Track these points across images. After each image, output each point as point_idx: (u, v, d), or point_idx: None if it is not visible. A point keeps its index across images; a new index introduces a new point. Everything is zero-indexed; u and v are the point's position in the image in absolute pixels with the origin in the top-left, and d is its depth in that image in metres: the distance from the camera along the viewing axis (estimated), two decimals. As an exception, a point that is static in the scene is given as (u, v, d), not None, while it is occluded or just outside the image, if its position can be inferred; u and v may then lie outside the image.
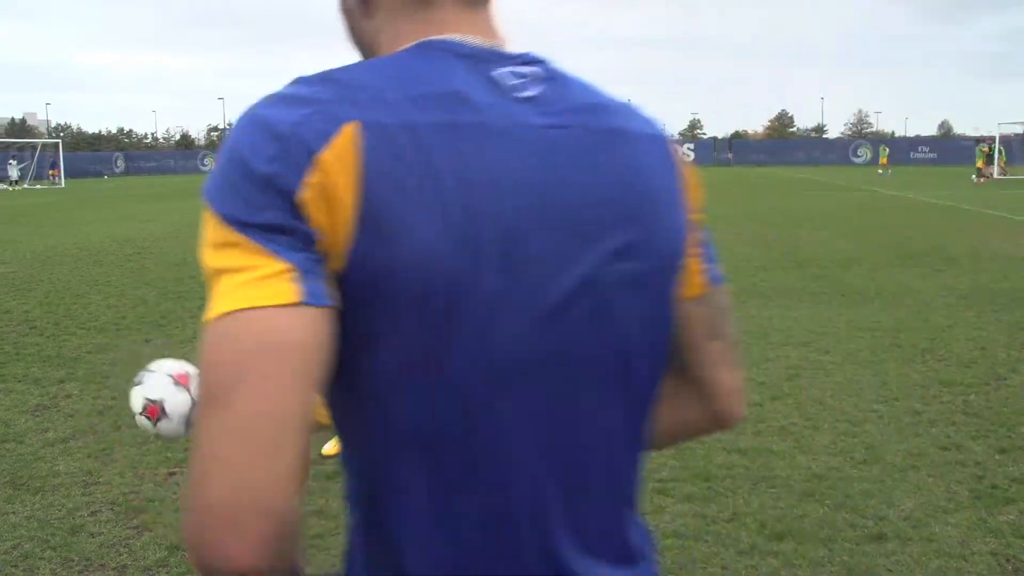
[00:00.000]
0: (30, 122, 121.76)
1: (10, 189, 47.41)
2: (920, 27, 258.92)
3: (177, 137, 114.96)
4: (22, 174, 53.12)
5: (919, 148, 69.88)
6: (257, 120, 0.88)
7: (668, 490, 4.51)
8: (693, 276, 1.09)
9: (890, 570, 3.69)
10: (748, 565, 3.73)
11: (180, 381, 2.37)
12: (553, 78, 1.00)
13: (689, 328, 1.11)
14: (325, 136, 0.85)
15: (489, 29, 1.01)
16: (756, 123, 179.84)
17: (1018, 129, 52.83)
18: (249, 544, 0.80)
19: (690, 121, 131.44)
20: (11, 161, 53.03)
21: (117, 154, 77.52)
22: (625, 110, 1.05)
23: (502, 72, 0.97)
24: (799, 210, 22.43)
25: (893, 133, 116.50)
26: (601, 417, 1.01)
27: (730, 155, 70.77)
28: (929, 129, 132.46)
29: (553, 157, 0.95)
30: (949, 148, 65.69)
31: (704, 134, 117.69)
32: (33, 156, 57.26)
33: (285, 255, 0.83)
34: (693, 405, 1.18)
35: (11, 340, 8.47)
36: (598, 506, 1.03)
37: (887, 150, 52.63)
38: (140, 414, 2.34)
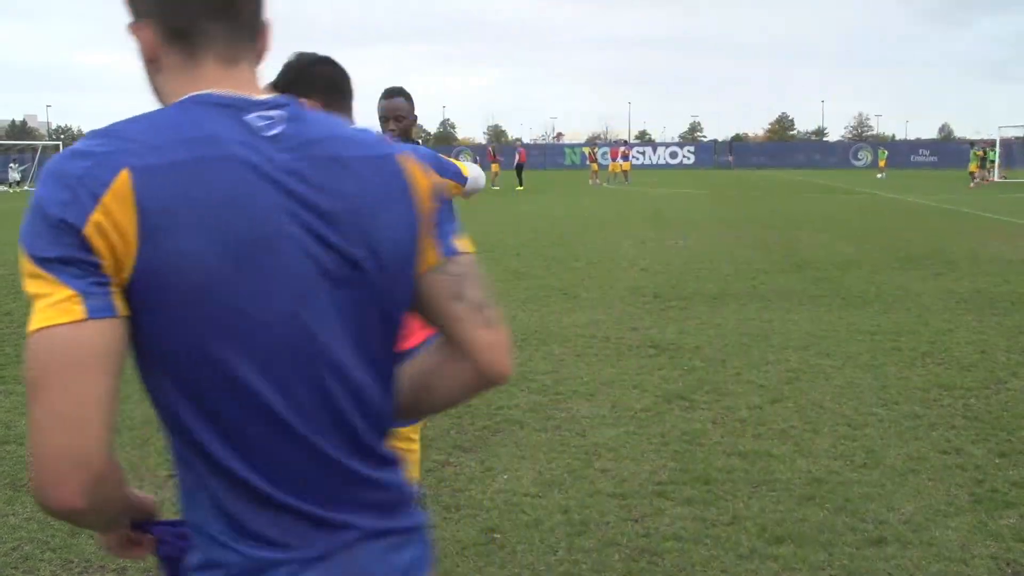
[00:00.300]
0: (31, 124, 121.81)
1: (11, 191, 47.40)
2: (921, 29, 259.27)
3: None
4: (23, 176, 53.10)
5: (919, 151, 69.98)
6: (54, 173, 1.17)
7: (667, 493, 4.50)
8: (428, 252, 1.37)
9: (890, 574, 3.68)
10: (748, 569, 3.72)
11: None
12: (294, 119, 1.29)
13: (434, 294, 1.38)
14: (105, 183, 1.14)
15: (247, 83, 1.31)
16: (756, 126, 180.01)
17: (1019, 132, 52.87)
18: (71, 490, 1.13)
19: (690, 123, 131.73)
20: (12, 164, 53.05)
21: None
22: (352, 140, 1.33)
23: (252, 116, 1.25)
24: (799, 213, 22.44)
25: (893, 136, 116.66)
26: (346, 380, 1.29)
27: (730, 158, 70.83)
28: (930, 132, 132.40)
29: (289, 183, 1.24)
30: (949, 151, 65.62)
31: (704, 136, 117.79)
32: (34, 158, 57.26)
33: (72, 283, 1.13)
34: (463, 365, 1.41)
35: (12, 342, 8.46)
36: (354, 440, 1.32)
37: (886, 153, 52.67)
38: None
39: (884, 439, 5.28)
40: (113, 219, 1.14)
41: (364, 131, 1.39)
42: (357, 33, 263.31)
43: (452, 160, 3.42)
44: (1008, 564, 3.76)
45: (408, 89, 5.04)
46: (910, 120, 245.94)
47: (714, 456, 5.03)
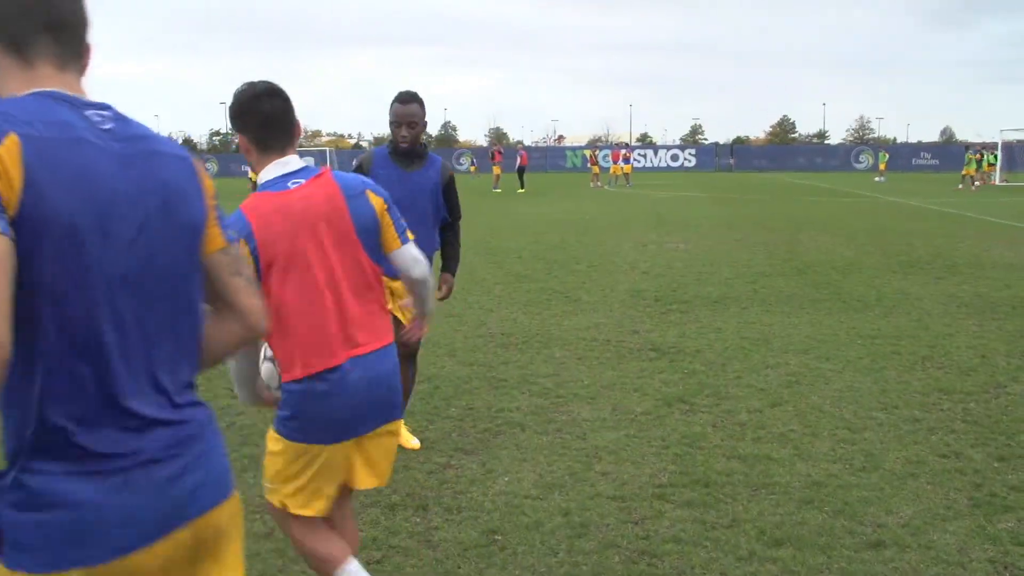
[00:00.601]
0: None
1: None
2: (924, 31, 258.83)
3: (180, 141, 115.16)
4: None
5: (920, 154, 69.81)
6: None
7: (667, 496, 4.52)
8: (214, 237, 1.86)
9: (888, 577, 3.70)
10: (747, 571, 3.75)
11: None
12: (118, 118, 1.72)
13: (219, 270, 1.88)
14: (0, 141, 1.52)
15: (76, 86, 1.72)
16: (758, 129, 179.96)
17: (1021, 136, 52.79)
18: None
19: (692, 126, 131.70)
20: None
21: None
22: (162, 140, 1.81)
23: (89, 112, 1.68)
24: (800, 216, 22.46)
25: (895, 139, 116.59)
26: (168, 306, 1.76)
27: (731, 161, 70.85)
28: (931, 135, 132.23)
29: (124, 167, 1.67)
30: (951, 154, 65.48)
31: (705, 139, 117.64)
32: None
33: None
34: (235, 324, 1.93)
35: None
36: (167, 362, 1.76)
37: (887, 156, 52.47)
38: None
39: (883, 443, 5.30)
40: (5, 167, 1.50)
41: (168, 137, 1.89)
42: (358, 34, 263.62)
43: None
44: (1006, 568, 3.78)
45: (418, 92, 5.06)
46: (911, 123, 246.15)
47: (714, 459, 5.05)
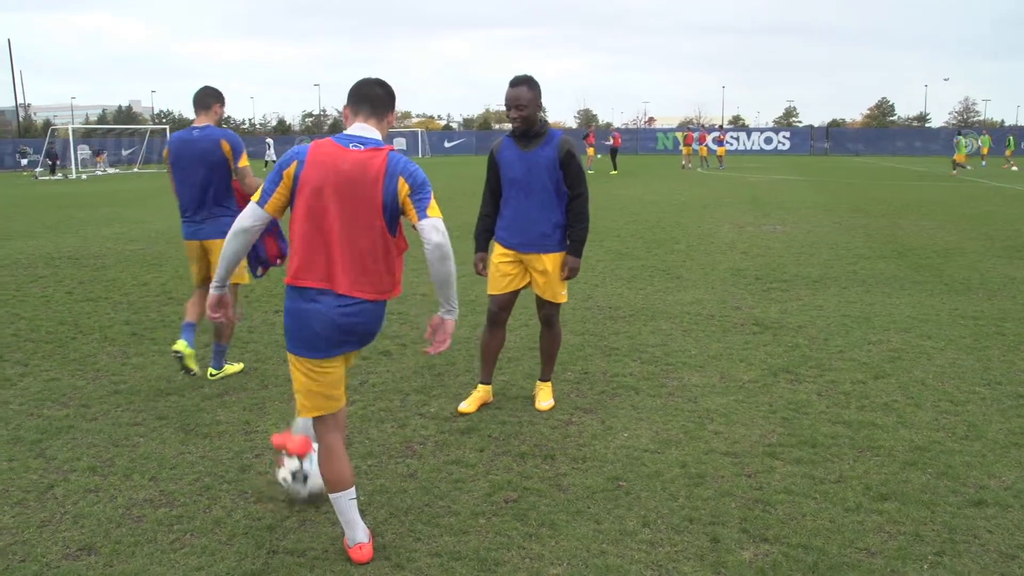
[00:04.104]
0: (135, 109, 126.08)
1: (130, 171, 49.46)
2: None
3: (274, 123, 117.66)
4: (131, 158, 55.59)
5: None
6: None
7: (777, 454, 4.85)
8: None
9: (990, 532, 3.95)
10: (854, 520, 4.05)
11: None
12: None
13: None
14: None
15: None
16: (855, 111, 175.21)
17: None
18: None
19: (785, 108, 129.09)
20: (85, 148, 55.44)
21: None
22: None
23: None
24: (899, 200, 22.19)
25: (1002, 122, 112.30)
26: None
27: (827, 144, 69.51)
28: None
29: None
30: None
31: (800, 122, 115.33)
32: (142, 142, 59.59)
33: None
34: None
35: (155, 308, 9.20)
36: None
37: (989, 140, 50.51)
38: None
39: (986, 415, 5.51)
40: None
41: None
42: (449, 16, 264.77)
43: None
44: (1104, 526, 4.00)
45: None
46: (1022, 105, 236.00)
47: (820, 424, 5.34)
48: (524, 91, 5.30)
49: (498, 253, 5.61)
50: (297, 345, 3.69)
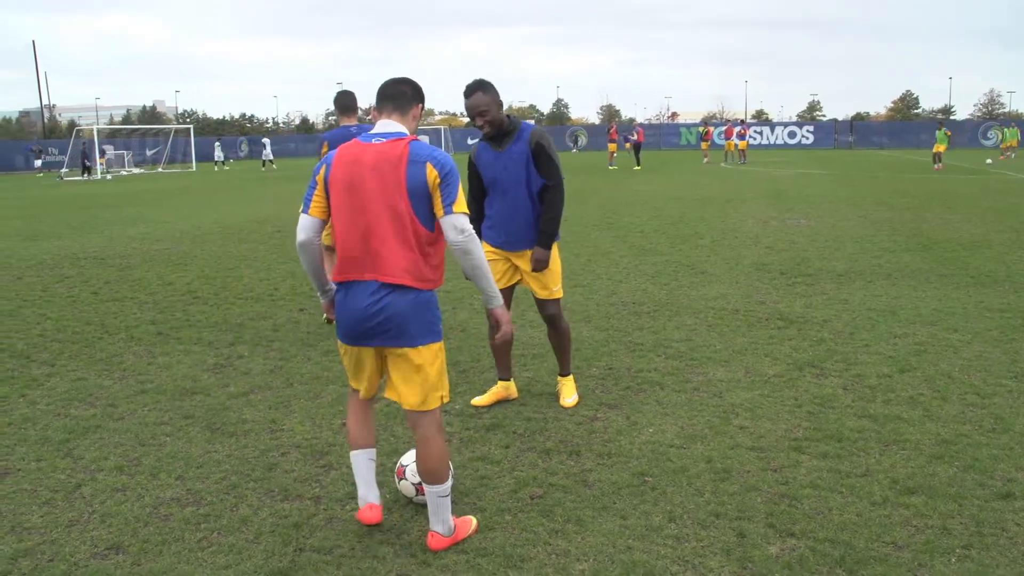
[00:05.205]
0: (159, 109, 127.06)
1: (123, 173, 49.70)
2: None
3: (297, 121, 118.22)
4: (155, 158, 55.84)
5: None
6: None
7: (803, 448, 4.83)
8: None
9: (1018, 525, 3.91)
10: (881, 514, 4.03)
11: (397, 474, 4.29)
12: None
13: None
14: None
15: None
16: (879, 104, 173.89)
17: None
18: None
19: (809, 102, 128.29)
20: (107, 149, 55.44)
21: (242, 138, 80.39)
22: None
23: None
24: (924, 194, 22.00)
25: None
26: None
27: (851, 138, 69.01)
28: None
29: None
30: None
31: (823, 116, 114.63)
32: (166, 142, 60.04)
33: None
34: None
35: (180, 308, 9.28)
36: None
37: (1018, 132, 49.89)
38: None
39: (1013, 408, 5.46)
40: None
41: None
42: (472, 13, 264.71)
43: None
44: None
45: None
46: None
47: (846, 418, 5.32)
48: (480, 96, 5.31)
49: (487, 251, 5.62)
50: (339, 332, 3.88)
